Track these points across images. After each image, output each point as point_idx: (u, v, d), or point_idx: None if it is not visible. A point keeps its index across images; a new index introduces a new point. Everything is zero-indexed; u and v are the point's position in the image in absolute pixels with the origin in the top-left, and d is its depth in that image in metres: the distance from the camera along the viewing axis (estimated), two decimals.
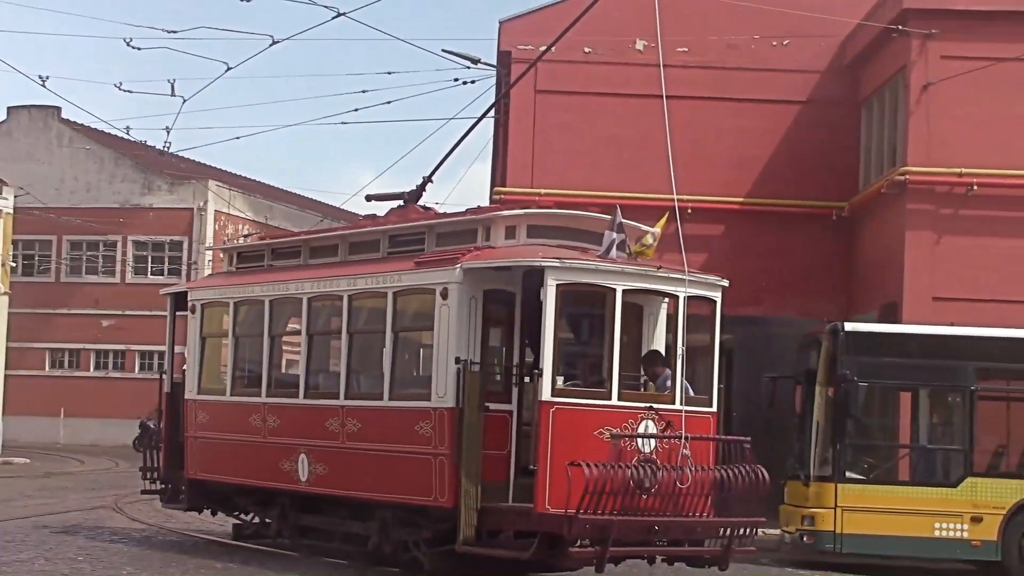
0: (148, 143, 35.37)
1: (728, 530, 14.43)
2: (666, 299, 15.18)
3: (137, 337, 56.81)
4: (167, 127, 25.32)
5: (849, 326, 18.97)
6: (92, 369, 59.31)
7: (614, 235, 14.54)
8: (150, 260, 58.99)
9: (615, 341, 14.28)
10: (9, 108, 61.71)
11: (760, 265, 26.17)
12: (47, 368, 59.22)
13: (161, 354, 29.79)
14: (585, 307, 14.89)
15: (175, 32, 21.87)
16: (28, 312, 53.90)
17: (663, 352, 15.28)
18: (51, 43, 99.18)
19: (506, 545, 14.32)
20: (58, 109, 59.56)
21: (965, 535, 18.18)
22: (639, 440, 14.00)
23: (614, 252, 14.48)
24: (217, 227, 58.78)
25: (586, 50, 26.39)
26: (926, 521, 18.18)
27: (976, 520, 18.17)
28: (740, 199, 26.78)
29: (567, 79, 26.61)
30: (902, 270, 23.65)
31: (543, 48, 20.08)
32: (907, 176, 23.68)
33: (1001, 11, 23.45)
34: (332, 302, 16.76)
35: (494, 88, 27.13)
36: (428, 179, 17.61)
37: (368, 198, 18.78)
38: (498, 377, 15.16)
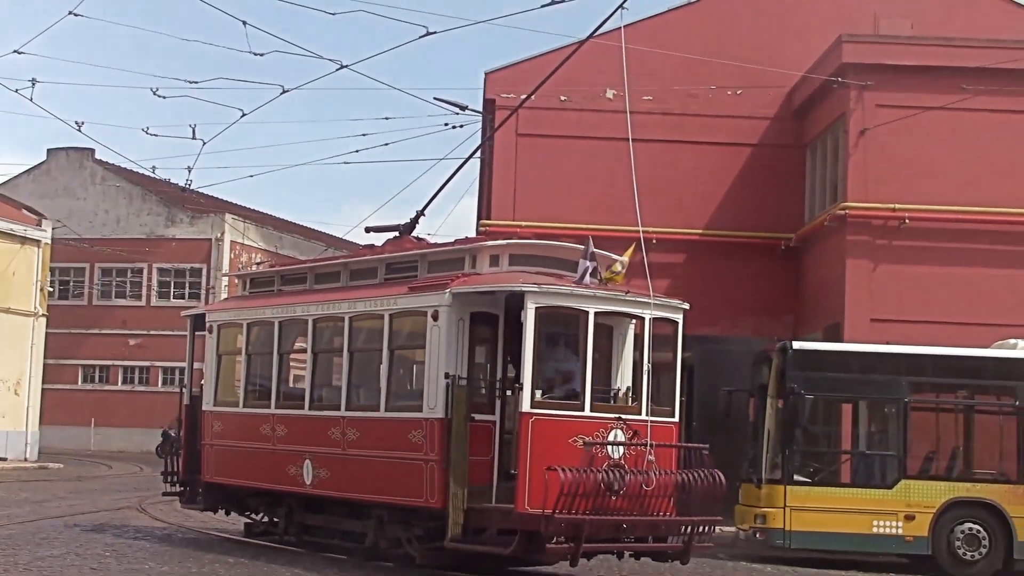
0: (171, 181, 35.20)
1: (689, 528, 14.34)
2: (633, 320, 15.10)
3: (160, 355, 56.55)
4: (188, 166, 25.24)
5: (797, 344, 18.91)
6: (120, 383, 58.96)
7: (587, 263, 14.49)
8: (172, 285, 58.74)
9: (588, 358, 14.20)
10: (49, 150, 61.52)
11: (717, 290, 26.12)
12: (80, 382, 58.85)
13: (182, 370, 29.68)
14: (561, 328, 14.80)
15: (196, 82, 21.76)
16: (63, 332, 53.59)
17: (631, 368, 15.23)
18: (86, 92, 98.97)
19: (490, 542, 14.20)
20: (92, 151, 59.37)
21: (900, 531, 18.11)
22: (609, 447, 13.91)
23: (587, 278, 14.42)
24: (232, 256, 58.57)
25: (562, 98, 26.37)
26: (865, 519, 18.10)
27: (909, 518, 18.09)
28: (699, 231, 26.74)
29: (545, 124, 26.59)
30: (843, 294, 23.62)
31: (524, 96, 20.01)
32: (847, 211, 23.69)
33: (928, 66, 23.52)
34: (335, 323, 16.65)
35: (480, 132, 27.09)
36: (421, 213, 17.55)
37: (367, 230, 18.71)
38: (483, 390, 15.05)
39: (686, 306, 15.29)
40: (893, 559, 18.81)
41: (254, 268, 35.13)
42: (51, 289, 48.00)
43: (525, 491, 13.58)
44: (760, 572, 17.46)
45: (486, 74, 27.12)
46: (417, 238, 17.37)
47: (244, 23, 18.50)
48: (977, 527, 18.06)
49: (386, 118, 26.94)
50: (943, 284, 23.41)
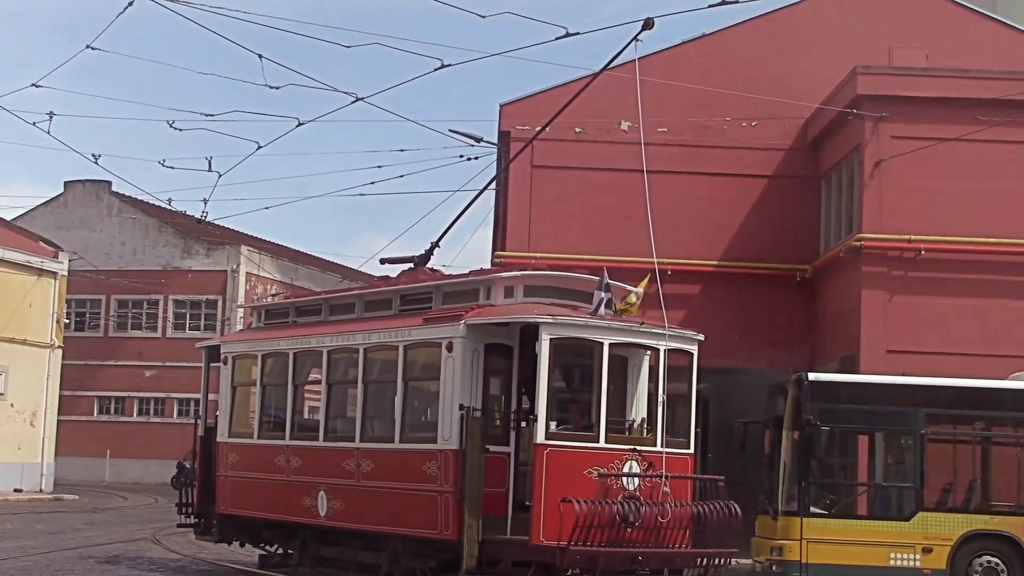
0: (187, 213, 35.33)
1: (704, 560, 14.29)
2: (648, 352, 15.10)
3: (176, 386, 56.61)
4: (204, 199, 25.32)
5: (812, 376, 18.85)
6: (135, 415, 59.02)
7: (602, 294, 14.51)
8: (188, 317, 58.88)
9: (602, 389, 14.20)
10: (66, 182, 61.84)
11: (732, 321, 26.07)
12: (95, 413, 58.93)
13: (197, 401, 29.77)
14: (575, 359, 14.81)
15: (212, 115, 21.86)
16: (79, 363, 53.73)
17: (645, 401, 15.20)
18: (103, 125, 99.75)
19: (505, 574, 14.15)
20: (109, 183, 59.67)
21: (917, 564, 17.99)
22: (624, 479, 13.88)
23: (602, 310, 14.43)
24: (248, 287, 58.72)
25: (576, 130, 26.44)
26: (882, 552, 17.99)
27: (927, 551, 17.98)
28: (714, 262, 26.73)
29: (560, 155, 26.64)
30: (859, 326, 23.56)
31: (538, 128, 20.08)
32: (862, 242, 23.66)
33: (943, 97, 23.52)
34: (349, 354, 16.68)
35: (495, 163, 27.17)
36: (436, 244, 17.61)
37: (382, 261, 18.79)
38: (497, 422, 15.05)
39: (701, 337, 15.28)
40: None
41: (269, 300, 35.18)
42: (67, 321, 48.14)
43: (540, 523, 13.55)
44: None
45: (501, 106, 27.22)
46: (432, 269, 17.41)
47: (260, 56, 18.63)
48: (996, 560, 17.94)
49: (401, 150, 27.15)
50: (959, 315, 23.33)
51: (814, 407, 18.19)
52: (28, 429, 43.66)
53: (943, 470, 18.94)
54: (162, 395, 58.22)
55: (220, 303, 58.46)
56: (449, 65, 17.81)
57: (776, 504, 18.54)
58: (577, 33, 16.12)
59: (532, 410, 14.19)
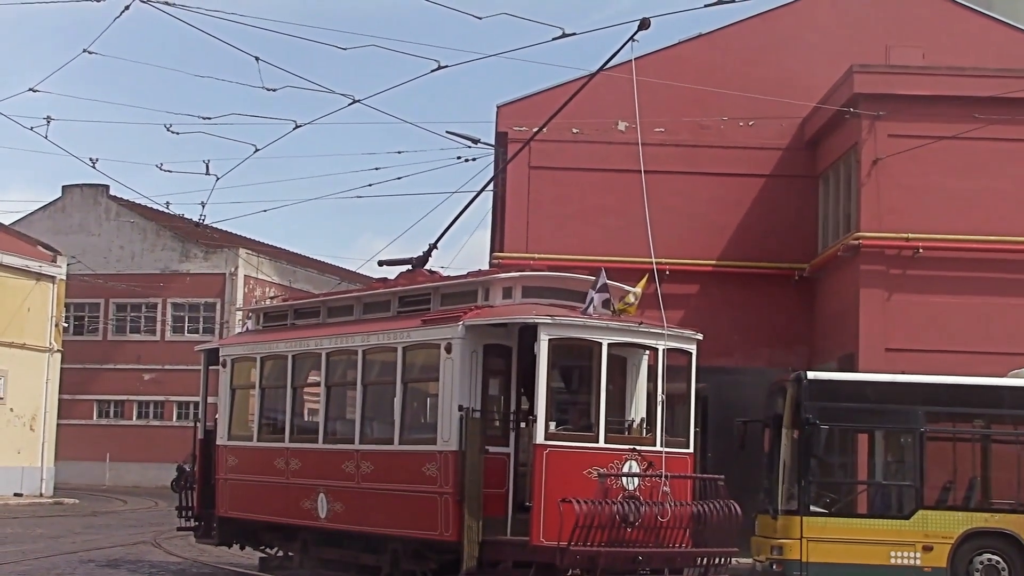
0: (185, 216, 35.34)
1: (704, 559, 14.28)
2: (647, 351, 15.09)
3: (175, 389, 56.60)
4: (202, 202, 25.37)
5: (811, 375, 18.84)
6: (135, 418, 59.00)
7: (594, 293, 14.50)
8: (187, 320, 58.85)
9: (601, 390, 14.19)
10: (64, 187, 61.84)
11: (731, 320, 26.08)
12: (95, 417, 58.90)
13: (196, 404, 29.66)
14: (574, 359, 14.79)
15: (209, 118, 21.84)
16: (78, 367, 53.70)
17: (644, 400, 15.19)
18: (101, 129, 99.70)
19: (505, 575, 14.14)
20: (107, 187, 59.67)
21: (918, 563, 17.98)
22: (624, 479, 13.87)
23: (591, 308, 14.42)
24: (246, 290, 58.70)
25: (574, 131, 26.43)
26: (882, 550, 17.98)
27: (927, 549, 17.96)
28: (712, 261, 26.73)
29: (557, 156, 26.65)
30: (857, 324, 23.57)
31: (536, 129, 20.07)
32: (860, 241, 23.67)
33: (941, 96, 23.55)
34: (348, 356, 16.67)
35: (493, 164, 27.15)
36: (434, 246, 17.59)
37: (380, 263, 18.78)
38: (497, 423, 15.03)
39: (699, 337, 15.28)
40: None
41: (267, 302, 35.18)
42: (66, 325, 48.12)
43: (540, 523, 13.55)
44: None
45: (498, 107, 27.21)
46: (430, 271, 17.40)
47: (257, 59, 18.62)
48: (996, 558, 17.93)
49: (399, 152, 27.09)
50: (957, 313, 23.35)
51: (813, 406, 18.19)
52: (28, 433, 43.64)
53: (943, 468, 18.93)
54: (161, 398, 58.20)
55: (218, 306, 58.44)
56: (446, 66, 17.80)
57: (776, 503, 18.53)
58: (574, 34, 16.13)
59: (531, 410, 14.18)
